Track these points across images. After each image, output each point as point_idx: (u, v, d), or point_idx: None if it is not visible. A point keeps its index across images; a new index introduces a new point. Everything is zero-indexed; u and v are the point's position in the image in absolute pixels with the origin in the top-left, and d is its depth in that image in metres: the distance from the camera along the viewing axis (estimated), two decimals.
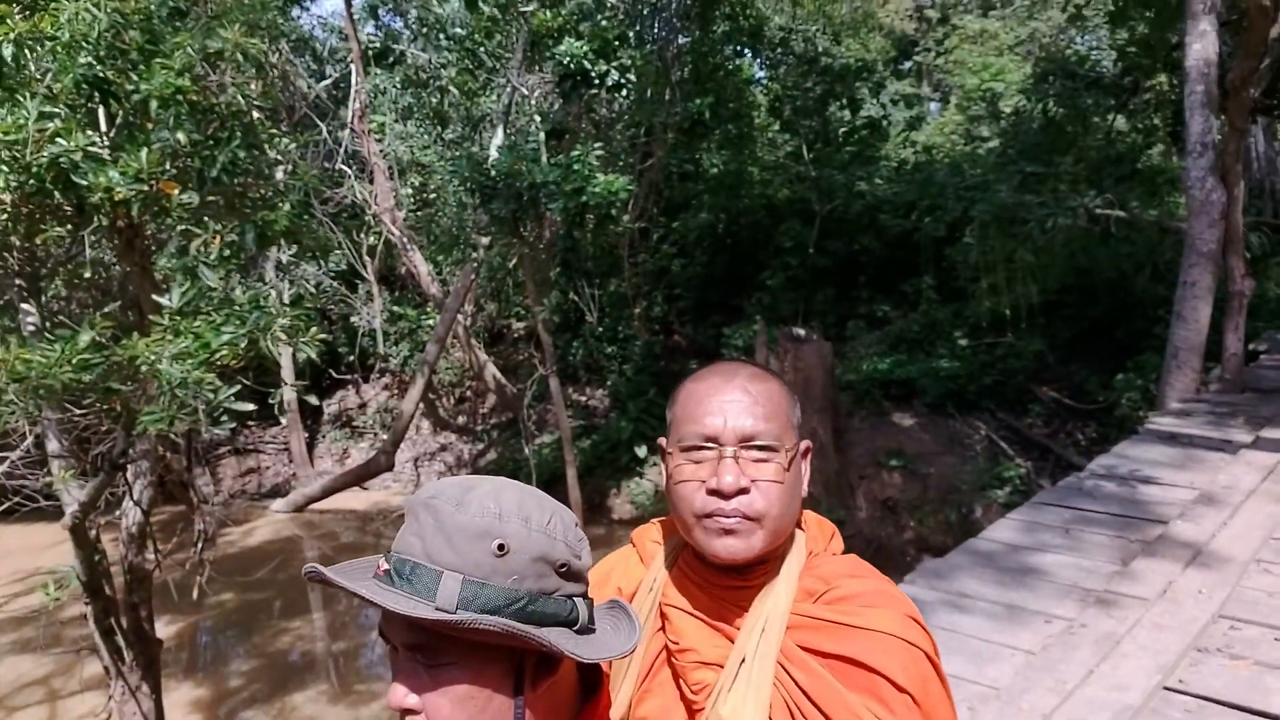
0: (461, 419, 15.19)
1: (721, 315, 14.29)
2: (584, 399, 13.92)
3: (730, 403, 1.18)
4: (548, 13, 10.24)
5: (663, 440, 1.28)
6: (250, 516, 12.37)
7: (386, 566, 0.95)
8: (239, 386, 4.03)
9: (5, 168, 3.61)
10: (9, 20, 3.76)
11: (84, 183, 3.65)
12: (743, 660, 1.15)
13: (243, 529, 11.79)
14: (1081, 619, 3.51)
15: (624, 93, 10.03)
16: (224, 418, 3.99)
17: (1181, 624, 3.40)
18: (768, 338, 9.61)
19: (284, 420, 14.00)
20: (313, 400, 14.17)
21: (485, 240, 10.10)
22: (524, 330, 16.04)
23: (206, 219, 4.26)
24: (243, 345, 4.13)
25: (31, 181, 3.66)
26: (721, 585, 1.22)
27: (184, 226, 4.13)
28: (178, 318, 3.96)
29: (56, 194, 3.73)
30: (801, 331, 9.46)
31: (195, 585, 5.84)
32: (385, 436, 13.70)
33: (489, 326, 15.97)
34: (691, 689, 1.19)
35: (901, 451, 9.99)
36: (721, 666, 1.17)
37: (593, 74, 9.45)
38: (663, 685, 1.23)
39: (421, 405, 13.55)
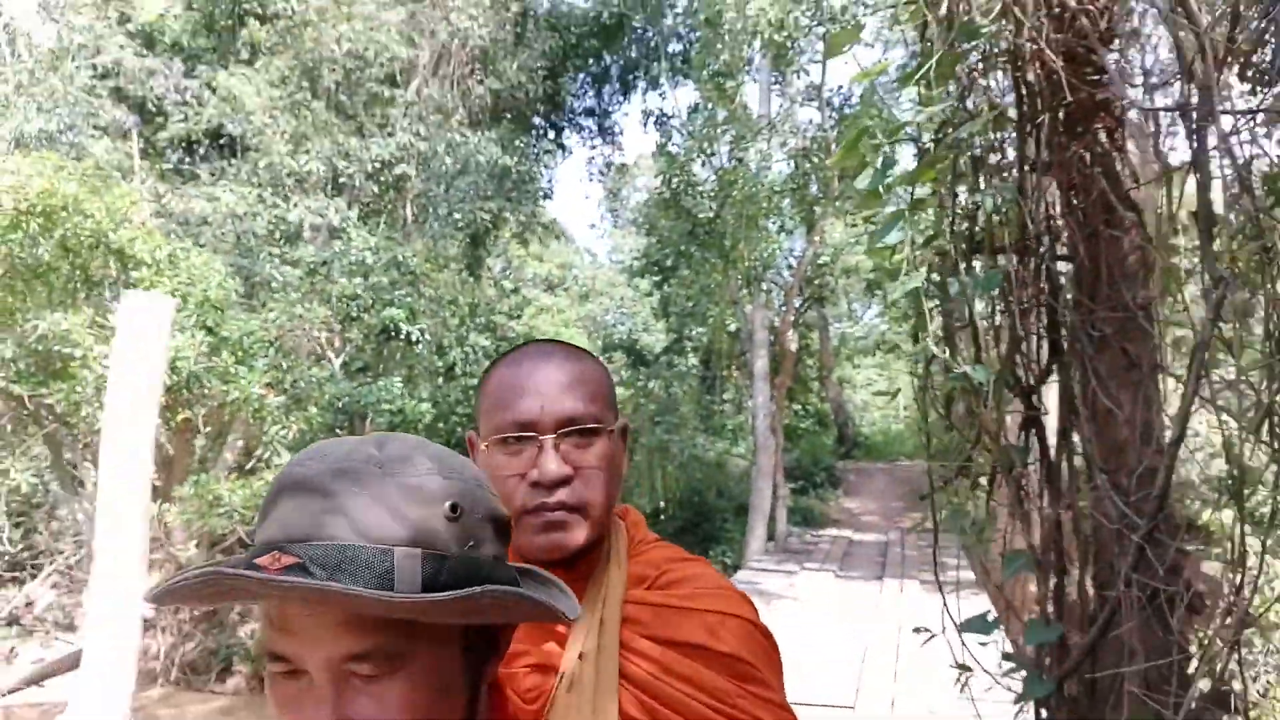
0: None
1: None
2: None
3: (547, 384, 1.07)
4: None
5: (471, 434, 1.16)
6: None
7: (292, 560, 0.70)
8: None
9: None
10: None
11: None
12: (580, 656, 1.05)
13: None
14: None
15: None
16: None
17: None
18: None
19: None
20: None
21: None
22: None
23: None
24: None
25: None
26: None
27: None
28: None
29: None
30: None
31: None
32: None
33: None
34: (524, 697, 1.05)
35: None
36: (555, 669, 1.06)
37: None
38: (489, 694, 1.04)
39: None
